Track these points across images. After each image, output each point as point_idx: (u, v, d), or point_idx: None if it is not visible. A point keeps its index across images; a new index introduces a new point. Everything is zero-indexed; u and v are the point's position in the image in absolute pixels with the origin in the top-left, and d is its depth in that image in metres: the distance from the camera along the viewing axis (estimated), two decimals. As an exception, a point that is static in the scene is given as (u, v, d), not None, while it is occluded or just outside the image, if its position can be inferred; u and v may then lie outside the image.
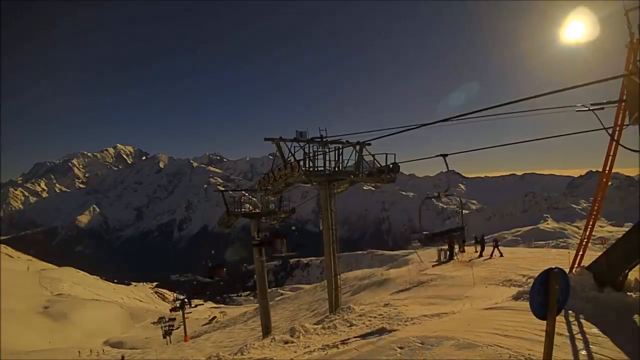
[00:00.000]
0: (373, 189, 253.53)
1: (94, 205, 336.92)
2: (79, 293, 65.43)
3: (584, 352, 4.33)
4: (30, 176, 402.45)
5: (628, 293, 5.87)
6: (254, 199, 17.85)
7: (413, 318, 8.18)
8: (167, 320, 35.73)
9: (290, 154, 11.06)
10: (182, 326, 32.44)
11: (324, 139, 11.17)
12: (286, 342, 7.60)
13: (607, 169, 7.39)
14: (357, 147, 11.53)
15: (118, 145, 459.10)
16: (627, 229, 7.02)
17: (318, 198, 12.06)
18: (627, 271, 6.09)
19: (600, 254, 6.88)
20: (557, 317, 3.21)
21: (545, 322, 3.20)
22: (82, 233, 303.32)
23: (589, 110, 5.92)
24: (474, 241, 23.59)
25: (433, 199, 10.21)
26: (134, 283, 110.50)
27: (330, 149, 11.48)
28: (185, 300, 39.39)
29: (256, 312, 25.79)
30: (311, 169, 11.19)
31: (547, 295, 3.17)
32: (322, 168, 11.42)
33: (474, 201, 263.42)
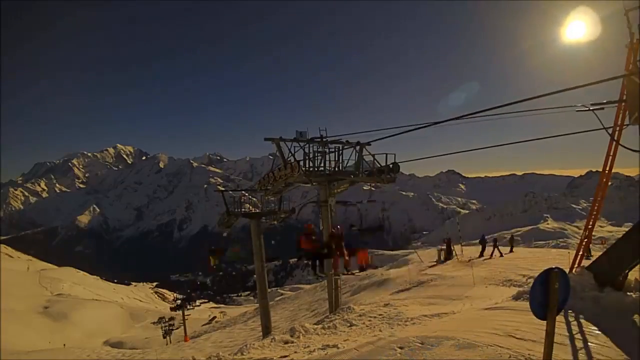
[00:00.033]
0: (373, 189, 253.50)
1: (94, 205, 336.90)
2: (79, 293, 65.44)
3: (583, 352, 4.33)
4: (30, 176, 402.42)
5: (628, 293, 5.87)
6: (254, 199, 17.85)
7: (413, 318, 8.18)
8: (167, 320, 35.79)
9: (290, 154, 11.06)
10: (182, 326, 32.48)
11: (324, 139, 11.16)
12: (286, 342, 7.60)
13: (607, 169, 7.40)
14: (357, 147, 11.53)
15: (118, 145, 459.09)
16: (627, 229, 7.02)
17: (318, 198, 12.07)
18: (627, 271, 6.09)
19: (600, 254, 6.89)
20: (557, 317, 3.21)
21: (545, 322, 3.20)
22: (82, 233, 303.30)
23: (589, 110, 5.93)
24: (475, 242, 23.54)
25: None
26: (134, 283, 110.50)
27: (330, 149, 11.47)
28: (187, 300, 39.49)
29: (256, 312, 25.79)
30: (311, 169, 11.18)
31: (547, 295, 3.17)
32: (322, 168, 11.42)
33: (474, 201, 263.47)
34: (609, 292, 5.90)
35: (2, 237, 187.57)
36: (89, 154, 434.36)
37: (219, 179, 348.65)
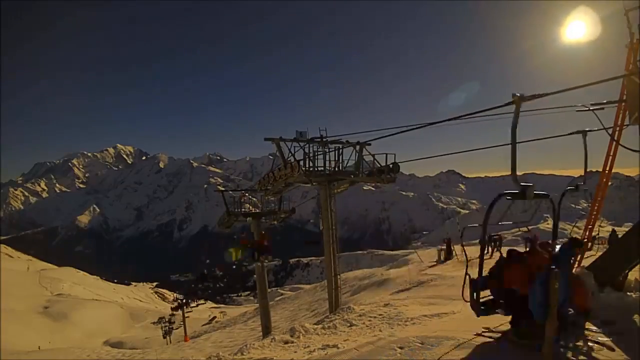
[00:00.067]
0: (373, 189, 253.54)
1: (94, 205, 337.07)
2: (79, 293, 65.45)
3: (583, 353, 4.33)
4: (30, 176, 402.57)
5: (628, 293, 5.87)
6: (254, 199, 17.84)
7: (413, 318, 8.18)
8: (167, 320, 35.80)
9: (290, 154, 11.07)
10: (182, 326, 32.46)
11: (324, 139, 11.18)
12: (286, 342, 7.60)
13: (607, 169, 7.40)
14: (357, 147, 11.54)
15: (118, 145, 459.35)
16: (627, 229, 7.02)
17: (318, 198, 12.07)
18: (627, 271, 6.09)
19: (600, 254, 6.89)
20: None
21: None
22: (82, 233, 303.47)
23: (589, 110, 5.92)
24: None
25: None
26: (134, 283, 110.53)
27: (330, 149, 11.49)
28: (189, 300, 39.54)
29: (256, 312, 25.79)
30: (311, 169, 11.19)
31: (547, 295, 3.17)
32: (322, 168, 11.43)
33: (474, 201, 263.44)
34: (609, 292, 5.90)
35: (2, 237, 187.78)
36: (89, 154, 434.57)
37: (219, 179, 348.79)
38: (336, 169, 11.56)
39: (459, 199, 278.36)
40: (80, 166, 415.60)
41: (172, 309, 39.78)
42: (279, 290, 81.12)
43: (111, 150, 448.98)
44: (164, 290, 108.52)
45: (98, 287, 79.80)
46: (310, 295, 26.22)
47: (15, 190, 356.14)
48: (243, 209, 16.71)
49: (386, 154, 10.68)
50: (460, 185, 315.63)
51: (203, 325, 40.14)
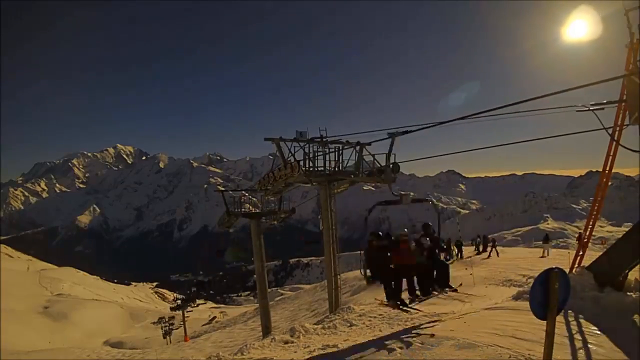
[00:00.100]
0: (373, 189, 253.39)
1: (94, 205, 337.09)
2: (79, 293, 65.42)
3: (583, 352, 4.33)
4: (30, 176, 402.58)
5: (628, 293, 5.87)
6: (254, 199, 17.86)
7: (413, 318, 8.18)
8: (167, 320, 35.82)
9: (290, 154, 11.06)
10: (182, 326, 32.49)
11: (324, 139, 11.16)
12: (286, 342, 7.60)
13: (607, 169, 7.40)
14: (357, 148, 11.54)
15: (118, 145, 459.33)
16: (627, 229, 7.02)
17: (318, 198, 12.06)
18: (627, 271, 6.09)
19: (600, 254, 6.89)
20: (557, 317, 3.21)
21: (545, 322, 3.20)
22: (82, 233, 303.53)
23: (589, 110, 5.92)
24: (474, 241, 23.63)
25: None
26: (134, 283, 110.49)
27: (330, 149, 11.48)
28: (188, 300, 39.53)
29: (256, 312, 25.80)
30: (311, 169, 11.18)
31: (547, 295, 3.17)
32: (322, 168, 11.42)
33: (474, 201, 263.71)
34: (609, 292, 5.90)
35: (2, 237, 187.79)
36: (89, 154, 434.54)
37: (219, 179, 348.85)
38: (336, 169, 11.56)
39: (459, 199, 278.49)
40: (80, 166, 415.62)
41: (172, 309, 39.79)
42: (279, 290, 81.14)
43: (111, 150, 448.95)
44: (164, 290, 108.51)
45: (98, 287, 79.78)
46: (310, 295, 26.23)
47: (15, 190, 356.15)
48: (243, 209, 16.73)
49: (386, 154, 10.68)
50: (460, 185, 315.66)
51: (203, 325, 40.15)
